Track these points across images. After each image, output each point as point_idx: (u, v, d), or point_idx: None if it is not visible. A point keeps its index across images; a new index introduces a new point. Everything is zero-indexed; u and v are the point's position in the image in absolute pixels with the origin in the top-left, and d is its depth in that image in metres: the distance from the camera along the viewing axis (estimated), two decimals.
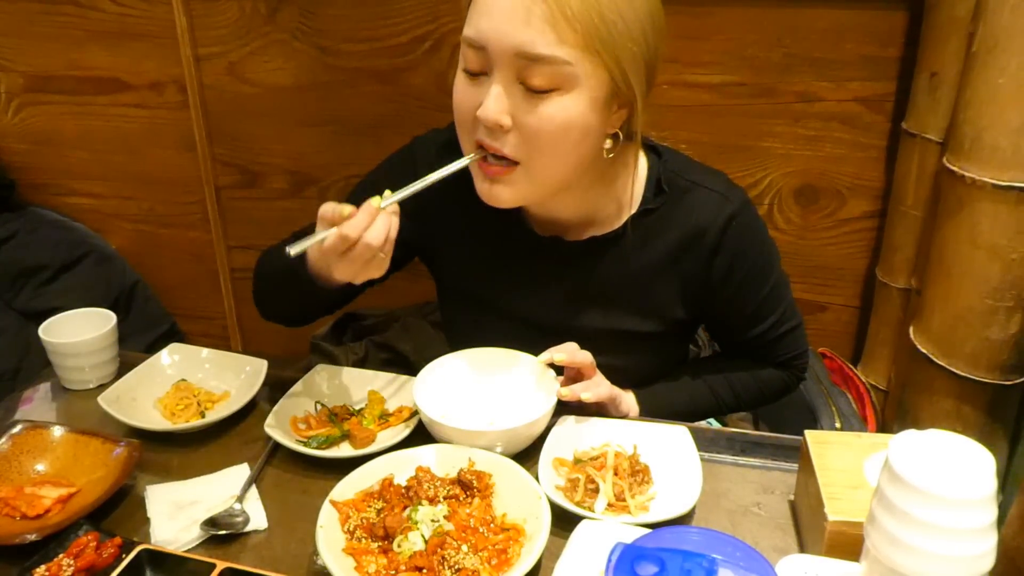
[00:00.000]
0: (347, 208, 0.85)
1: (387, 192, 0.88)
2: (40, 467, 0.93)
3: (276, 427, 0.96)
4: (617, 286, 1.05)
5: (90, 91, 2.03)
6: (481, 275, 1.11)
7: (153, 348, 1.14)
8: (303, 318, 1.14)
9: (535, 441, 0.94)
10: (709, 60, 1.65)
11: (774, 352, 1.12)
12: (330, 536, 0.79)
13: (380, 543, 0.80)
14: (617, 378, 1.07)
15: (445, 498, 0.84)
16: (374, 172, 1.14)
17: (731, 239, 1.01)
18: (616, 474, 0.87)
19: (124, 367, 1.11)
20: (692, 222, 1.02)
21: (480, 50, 0.86)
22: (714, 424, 1.28)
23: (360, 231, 0.84)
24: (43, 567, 0.76)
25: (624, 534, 0.74)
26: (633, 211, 1.03)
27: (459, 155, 0.96)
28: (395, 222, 0.88)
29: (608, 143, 0.94)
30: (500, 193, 0.93)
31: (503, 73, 0.86)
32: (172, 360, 1.11)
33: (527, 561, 0.75)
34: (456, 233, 1.11)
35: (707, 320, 1.13)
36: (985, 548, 0.59)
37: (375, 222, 0.86)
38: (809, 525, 0.81)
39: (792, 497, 0.89)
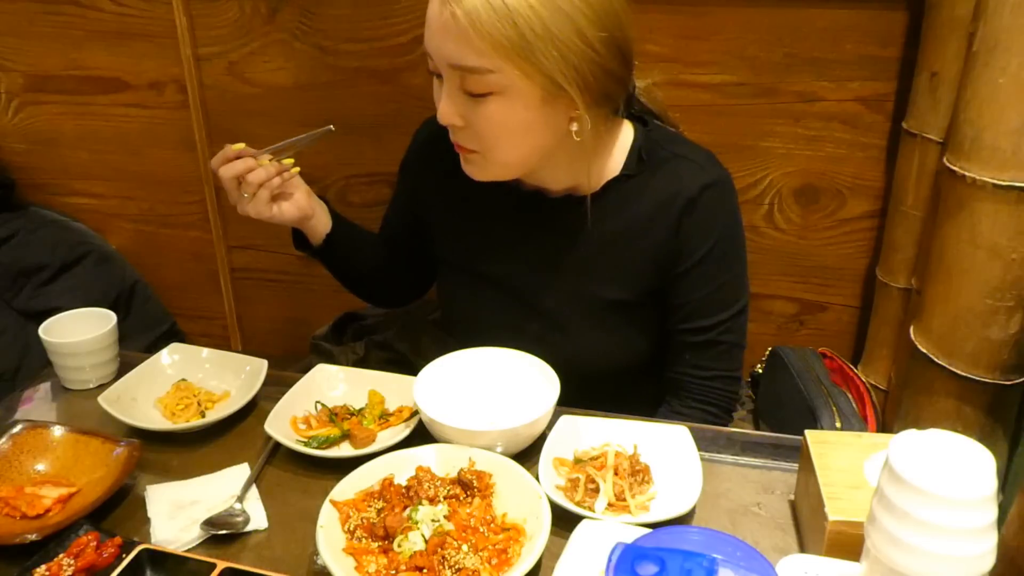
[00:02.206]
0: (235, 147, 1.06)
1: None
2: (40, 467, 0.93)
3: (276, 427, 0.96)
4: (593, 250, 1.09)
5: (90, 91, 2.03)
6: (467, 240, 1.17)
7: (153, 348, 1.14)
8: (360, 283, 1.31)
9: (535, 441, 0.94)
10: (709, 60, 1.65)
11: (706, 361, 1.11)
12: (330, 536, 0.79)
13: (380, 543, 0.80)
14: (607, 354, 1.11)
15: (445, 498, 0.84)
16: (402, 168, 1.26)
17: (702, 208, 1.04)
18: (616, 474, 0.87)
19: (124, 367, 1.11)
20: (668, 189, 1.05)
21: (431, 59, 0.95)
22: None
23: (216, 165, 1.05)
24: (43, 567, 0.76)
25: (624, 534, 0.74)
26: (613, 175, 1.07)
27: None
28: (260, 174, 1.05)
29: (575, 126, 0.97)
30: (471, 171, 1.03)
31: (448, 80, 0.94)
32: (172, 360, 1.11)
33: (527, 561, 0.75)
34: (448, 204, 1.18)
35: (663, 298, 1.13)
36: (985, 548, 0.59)
37: (234, 162, 1.05)
38: (809, 525, 0.81)
39: (792, 497, 0.89)
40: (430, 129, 1.18)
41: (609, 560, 0.67)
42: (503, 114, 0.93)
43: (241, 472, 0.93)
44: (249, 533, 0.85)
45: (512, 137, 0.96)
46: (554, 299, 1.12)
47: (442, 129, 1.00)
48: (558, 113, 0.96)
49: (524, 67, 0.89)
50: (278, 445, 0.96)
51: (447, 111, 0.95)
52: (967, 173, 1.25)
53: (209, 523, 0.84)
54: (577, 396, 0.99)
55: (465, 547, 0.78)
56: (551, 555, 0.77)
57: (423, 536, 0.79)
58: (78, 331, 1.09)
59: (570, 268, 1.11)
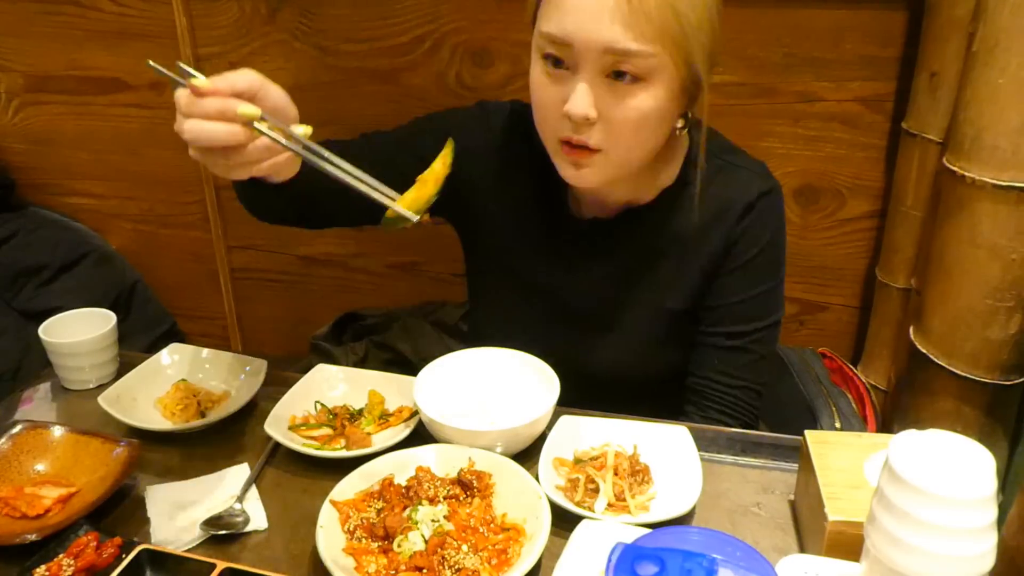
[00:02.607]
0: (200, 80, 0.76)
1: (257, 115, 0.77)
2: (40, 467, 0.93)
3: (276, 427, 0.96)
4: (648, 259, 1.08)
5: (90, 91, 2.03)
6: (517, 252, 1.13)
7: (153, 348, 1.14)
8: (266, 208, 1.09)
9: (535, 441, 0.94)
10: None
11: (733, 368, 1.08)
12: (330, 536, 0.79)
13: (380, 543, 0.80)
14: (646, 365, 1.11)
15: (445, 498, 0.84)
16: (432, 117, 1.16)
17: (756, 215, 1.04)
18: (616, 474, 0.87)
19: (124, 367, 1.11)
20: (724, 197, 1.04)
21: (564, 46, 0.89)
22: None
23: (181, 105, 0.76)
24: (43, 567, 0.76)
25: (624, 534, 0.74)
26: (668, 184, 1.06)
27: (524, 132, 1.03)
28: (238, 133, 0.75)
29: (680, 123, 0.98)
30: (586, 176, 0.95)
31: (589, 68, 0.88)
32: (172, 360, 1.11)
33: (527, 561, 0.75)
34: (498, 204, 1.13)
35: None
36: (985, 548, 0.59)
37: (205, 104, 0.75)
38: (809, 525, 0.81)
39: (792, 497, 0.89)
40: (507, 121, 1.12)
41: (609, 560, 0.67)
42: (648, 103, 0.90)
43: (241, 472, 0.93)
44: (249, 533, 0.85)
45: (647, 130, 0.93)
46: (608, 309, 1.09)
47: (516, 130, 0.98)
48: (679, 109, 0.95)
49: (677, 54, 0.88)
50: (278, 445, 0.96)
51: (584, 102, 0.89)
52: (967, 173, 1.25)
53: (209, 523, 0.84)
54: (591, 402, 0.99)
55: (465, 547, 0.78)
56: (551, 555, 0.77)
57: (423, 536, 0.79)
58: (78, 331, 1.09)
59: (625, 281, 1.09)
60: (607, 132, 0.91)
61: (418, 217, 0.84)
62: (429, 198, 0.89)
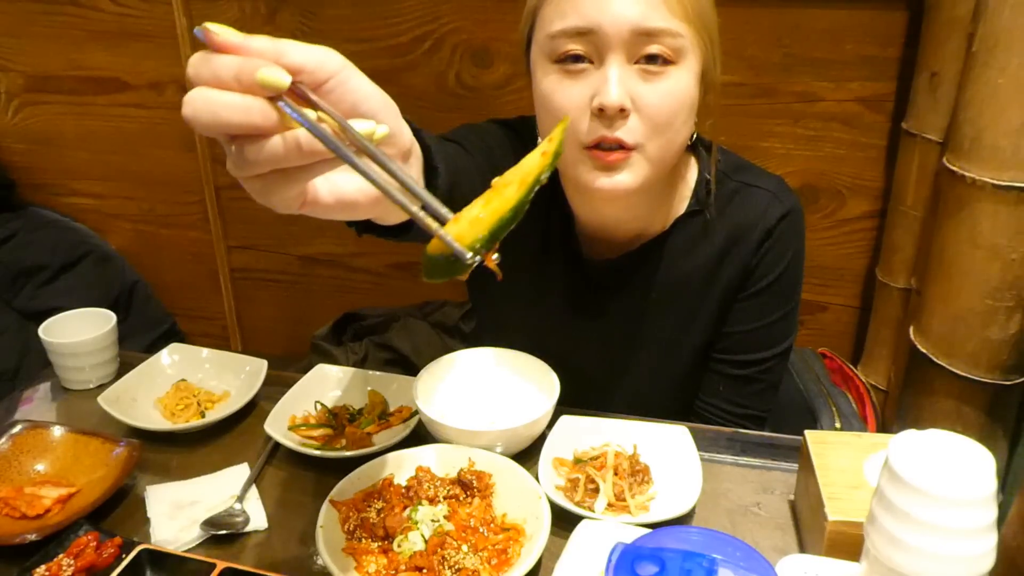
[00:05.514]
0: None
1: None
2: (40, 467, 0.93)
3: (276, 427, 0.96)
4: (665, 296, 1.03)
5: (90, 91, 2.03)
6: (532, 301, 1.07)
7: (153, 348, 1.14)
8: None
9: (535, 441, 0.94)
10: None
11: (740, 397, 1.06)
12: (330, 536, 0.79)
13: (380, 543, 0.80)
14: (664, 400, 1.07)
15: (445, 498, 0.84)
16: (474, 128, 1.02)
17: (775, 240, 0.99)
18: (616, 474, 0.87)
19: (124, 367, 1.11)
20: (742, 221, 0.99)
21: (586, 36, 0.83)
22: None
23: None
24: (43, 567, 0.76)
25: (624, 534, 0.74)
26: (680, 213, 1.01)
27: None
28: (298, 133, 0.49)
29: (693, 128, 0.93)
30: (622, 181, 0.87)
31: (617, 56, 0.83)
32: (172, 360, 1.11)
33: (527, 561, 0.75)
34: (512, 252, 1.02)
35: None
36: (985, 548, 0.59)
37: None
38: (809, 525, 0.81)
39: (792, 497, 0.89)
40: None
41: (609, 560, 0.67)
42: (680, 87, 0.85)
43: (241, 472, 0.93)
44: (249, 533, 0.85)
45: (681, 119, 0.87)
46: (620, 359, 1.07)
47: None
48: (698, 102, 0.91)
49: (704, 32, 0.86)
50: (278, 445, 0.96)
51: (619, 89, 0.82)
52: (967, 173, 1.25)
53: (209, 523, 0.84)
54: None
55: (465, 547, 0.78)
56: (551, 555, 0.77)
57: (423, 536, 0.79)
58: (78, 331, 1.09)
59: (639, 323, 1.04)
60: (643, 124, 0.85)
61: (475, 256, 0.53)
62: (504, 219, 0.55)
